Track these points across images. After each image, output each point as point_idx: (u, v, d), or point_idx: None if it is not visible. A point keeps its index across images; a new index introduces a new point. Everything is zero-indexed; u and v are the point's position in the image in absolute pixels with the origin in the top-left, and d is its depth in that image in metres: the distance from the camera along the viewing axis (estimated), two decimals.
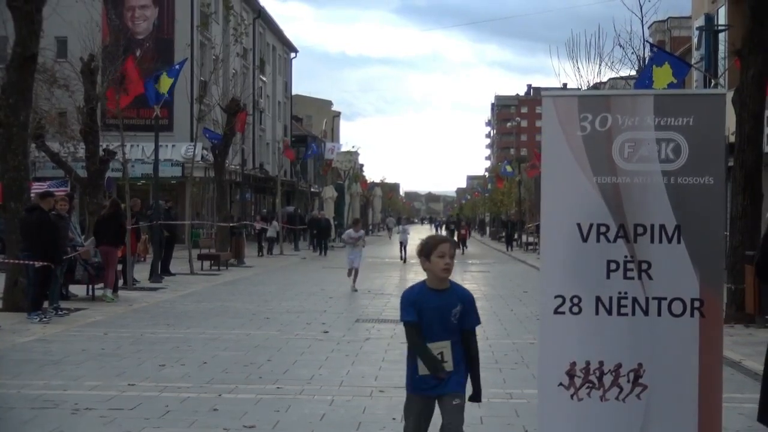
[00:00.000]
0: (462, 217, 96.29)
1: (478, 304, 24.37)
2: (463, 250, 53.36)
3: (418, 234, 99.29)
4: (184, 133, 50.90)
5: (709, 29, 35.19)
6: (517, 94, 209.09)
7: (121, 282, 23.52)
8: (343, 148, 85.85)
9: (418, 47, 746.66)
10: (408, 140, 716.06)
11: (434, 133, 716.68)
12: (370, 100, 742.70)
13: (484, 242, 78.43)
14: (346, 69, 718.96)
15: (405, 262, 41.56)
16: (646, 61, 30.23)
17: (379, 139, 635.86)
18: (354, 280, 25.84)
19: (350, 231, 27.45)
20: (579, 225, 6.13)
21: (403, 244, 44.19)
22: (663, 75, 21.62)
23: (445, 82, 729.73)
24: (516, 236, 60.98)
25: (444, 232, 61.75)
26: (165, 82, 28.50)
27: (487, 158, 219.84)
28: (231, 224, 39.89)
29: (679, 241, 6.08)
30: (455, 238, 52.42)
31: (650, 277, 6.09)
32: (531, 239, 56.82)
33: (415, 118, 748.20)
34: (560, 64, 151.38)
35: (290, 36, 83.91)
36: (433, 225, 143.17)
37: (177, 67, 29.93)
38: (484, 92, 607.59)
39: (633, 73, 33.30)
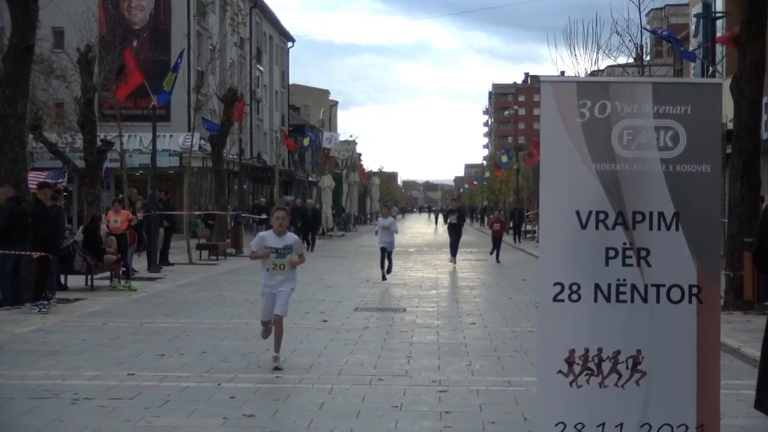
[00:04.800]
0: (465, 205, 77.92)
1: (476, 292, 24.34)
2: (497, 255, 36.19)
3: (417, 226, 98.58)
4: (181, 123, 50.81)
5: (707, 16, 35.17)
6: (515, 83, 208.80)
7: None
8: (341, 138, 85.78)
9: (406, 35, 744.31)
10: (404, 129, 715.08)
11: (430, 122, 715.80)
12: (360, 88, 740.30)
13: (482, 231, 78.43)
14: (334, 57, 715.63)
15: (385, 279, 25.61)
16: (644, 49, 30.30)
17: (374, 127, 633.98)
18: (275, 347, 12.31)
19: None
20: (578, 212, 6.14)
21: (385, 252, 26.10)
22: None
23: (435, 70, 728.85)
24: (523, 226, 55.23)
25: (443, 226, 54.81)
26: (169, 79, 28.62)
27: (485, 147, 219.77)
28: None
29: (677, 229, 6.10)
30: (458, 234, 34.38)
31: (649, 264, 6.10)
32: (530, 227, 56.54)
33: (408, 106, 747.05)
34: (557, 52, 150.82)
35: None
36: (432, 214, 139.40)
37: (179, 61, 29.99)
38: (476, 80, 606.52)
39: (630, 60, 33.32)
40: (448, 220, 35.96)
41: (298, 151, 68.71)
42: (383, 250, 26.03)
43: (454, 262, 33.08)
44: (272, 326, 12.43)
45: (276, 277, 12.20)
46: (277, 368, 11.87)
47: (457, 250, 33.97)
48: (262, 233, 12.69)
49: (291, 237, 12.36)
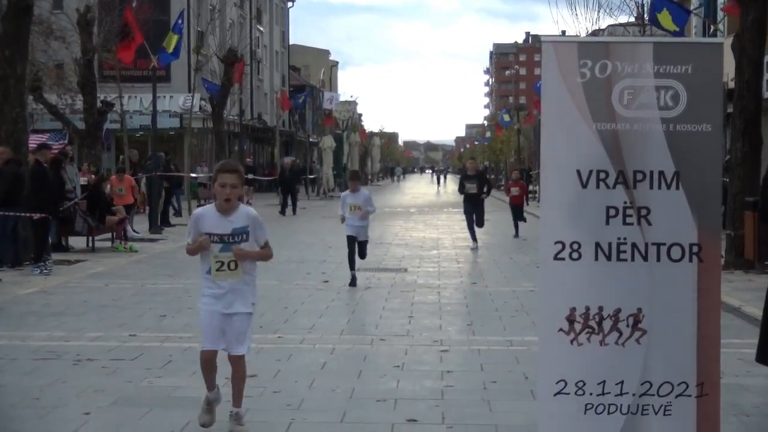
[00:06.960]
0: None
1: (477, 252, 24.26)
2: (516, 229, 27.63)
3: (418, 187, 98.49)
4: (181, 84, 50.67)
5: None
6: (516, 42, 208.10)
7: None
8: (341, 98, 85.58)
9: None
10: (404, 89, 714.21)
11: (430, 82, 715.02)
12: (358, 48, 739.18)
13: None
14: (331, 17, 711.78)
15: (354, 284, 16.21)
16: (645, 8, 30.13)
17: (374, 88, 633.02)
18: (235, 400, 7.88)
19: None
20: (578, 171, 6.12)
21: (356, 243, 16.49)
22: (666, 21, 21.62)
23: (433, 30, 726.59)
24: (529, 186, 49.04)
25: (445, 187, 53.26)
26: (170, 39, 28.42)
27: (486, 107, 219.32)
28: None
29: (677, 187, 6.09)
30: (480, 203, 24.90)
31: (649, 223, 6.10)
32: (531, 187, 56.22)
33: (408, 66, 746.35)
34: (557, 10, 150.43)
35: None
36: (434, 175, 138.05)
37: (179, 21, 29.83)
38: (475, 40, 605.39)
39: (632, 19, 33.15)
40: (465, 189, 24.72)
41: (297, 111, 68.80)
42: (351, 240, 16.57)
43: (476, 247, 23.74)
44: (214, 371, 7.95)
45: (224, 283, 7.45)
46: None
47: (477, 228, 24.67)
48: (197, 211, 7.79)
49: (244, 214, 7.47)
